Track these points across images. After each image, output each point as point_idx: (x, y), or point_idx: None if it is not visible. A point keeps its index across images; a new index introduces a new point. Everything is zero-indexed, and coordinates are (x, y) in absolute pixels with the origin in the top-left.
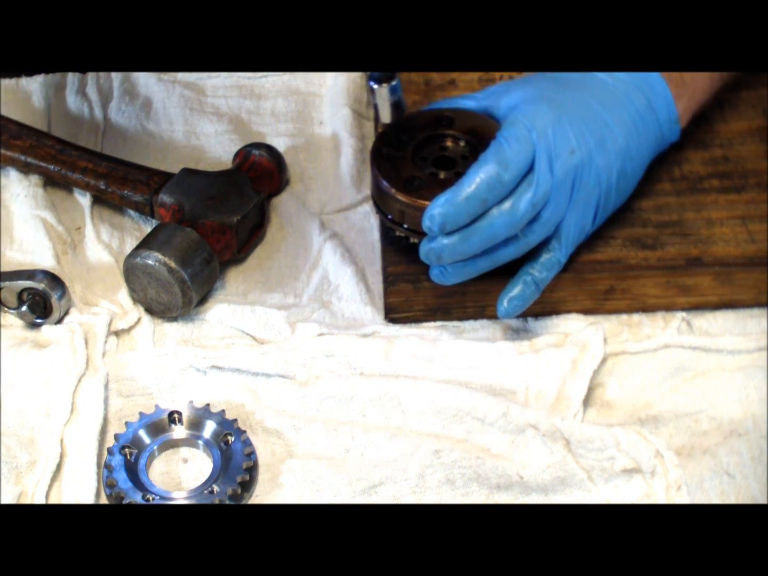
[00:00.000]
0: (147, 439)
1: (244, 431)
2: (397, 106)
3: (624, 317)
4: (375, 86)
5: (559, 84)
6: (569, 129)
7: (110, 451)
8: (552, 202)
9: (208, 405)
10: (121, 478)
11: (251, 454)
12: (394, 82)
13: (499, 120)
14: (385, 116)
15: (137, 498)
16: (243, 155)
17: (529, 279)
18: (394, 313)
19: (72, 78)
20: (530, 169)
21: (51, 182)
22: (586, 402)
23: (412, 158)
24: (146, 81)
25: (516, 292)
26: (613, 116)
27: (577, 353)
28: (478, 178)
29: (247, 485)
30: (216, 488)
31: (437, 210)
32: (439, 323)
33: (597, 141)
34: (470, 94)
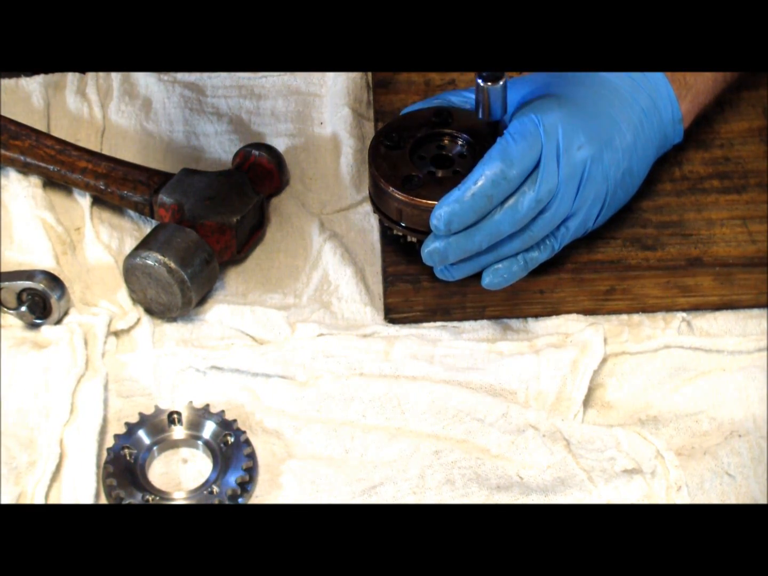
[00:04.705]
0: (146, 440)
1: (244, 432)
2: (504, 102)
3: (624, 317)
4: (488, 84)
5: (567, 81)
6: (578, 124)
7: (110, 452)
8: (559, 196)
9: (207, 405)
10: (121, 478)
11: (251, 455)
12: (504, 79)
13: (505, 116)
14: (497, 112)
15: (137, 498)
16: (243, 155)
17: (519, 255)
18: (394, 314)
19: (72, 78)
20: (538, 164)
21: (50, 182)
22: (587, 402)
23: (410, 157)
24: (146, 81)
25: (503, 265)
26: (620, 114)
27: (578, 354)
28: (483, 176)
29: (247, 485)
30: (216, 489)
31: (444, 209)
32: (439, 323)
33: (606, 137)
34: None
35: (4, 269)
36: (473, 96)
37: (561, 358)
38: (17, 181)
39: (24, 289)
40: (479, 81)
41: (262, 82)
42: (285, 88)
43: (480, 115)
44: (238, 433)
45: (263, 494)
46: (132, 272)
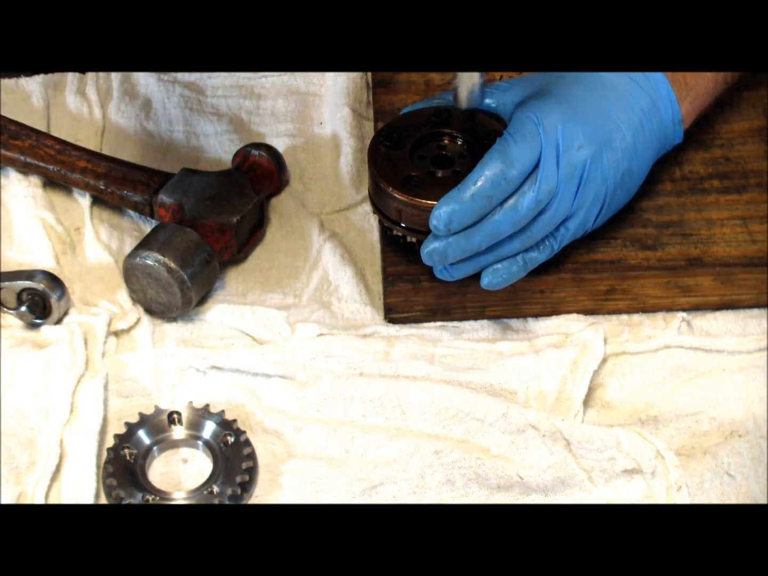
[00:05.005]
0: (146, 440)
1: (244, 432)
2: (484, 87)
3: (624, 317)
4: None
5: (567, 81)
6: (578, 125)
7: (110, 452)
8: (558, 197)
9: (207, 405)
10: (121, 478)
11: (251, 455)
12: None
13: (504, 116)
14: (475, 99)
15: (137, 498)
16: (243, 155)
17: (518, 255)
18: (394, 314)
19: (72, 78)
20: (537, 165)
21: (50, 182)
22: (587, 402)
23: (410, 157)
24: (146, 81)
25: (502, 265)
26: (620, 114)
27: (578, 354)
28: (482, 176)
29: (247, 486)
30: (216, 489)
31: (443, 209)
32: (439, 323)
33: (605, 138)
34: None
35: (4, 269)
36: None
37: (561, 358)
38: (17, 181)
39: (24, 289)
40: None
41: (262, 82)
42: (285, 88)
43: (458, 103)
44: (238, 433)
45: (263, 494)
46: (132, 272)
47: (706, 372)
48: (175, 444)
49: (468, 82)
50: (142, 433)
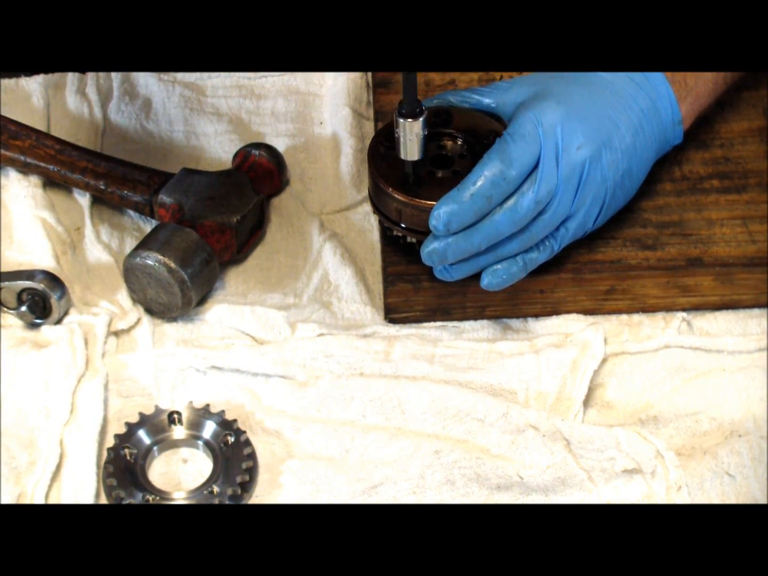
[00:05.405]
0: (147, 440)
1: (244, 431)
2: (425, 140)
3: (624, 317)
4: (408, 121)
5: (567, 81)
6: (577, 125)
7: (110, 452)
8: (558, 197)
9: (207, 405)
10: (121, 478)
11: (251, 455)
12: (425, 115)
13: (504, 116)
14: (414, 152)
15: (137, 498)
16: (243, 155)
17: (518, 256)
18: (394, 314)
19: (72, 78)
20: (537, 165)
21: (50, 182)
22: (587, 402)
23: None
24: (146, 81)
25: (502, 266)
26: (620, 115)
27: (578, 353)
28: (482, 176)
29: (247, 485)
30: (216, 489)
31: (443, 209)
32: (438, 323)
33: (605, 138)
34: (475, 88)
35: (4, 269)
36: (473, 96)
37: (561, 358)
38: (17, 181)
39: (24, 289)
40: (398, 118)
41: (262, 82)
42: (285, 88)
43: (401, 154)
44: (239, 433)
45: (263, 494)
46: (132, 272)
47: (706, 372)
48: (175, 444)
49: (409, 133)
50: (142, 433)
